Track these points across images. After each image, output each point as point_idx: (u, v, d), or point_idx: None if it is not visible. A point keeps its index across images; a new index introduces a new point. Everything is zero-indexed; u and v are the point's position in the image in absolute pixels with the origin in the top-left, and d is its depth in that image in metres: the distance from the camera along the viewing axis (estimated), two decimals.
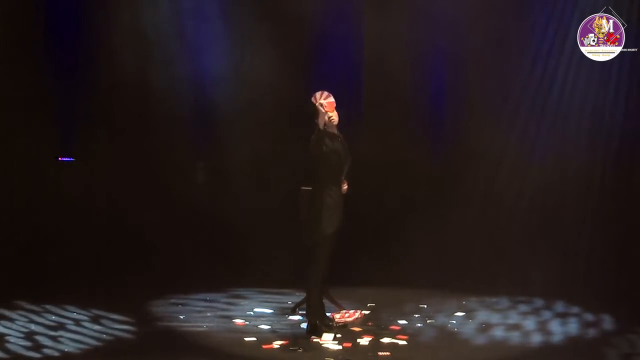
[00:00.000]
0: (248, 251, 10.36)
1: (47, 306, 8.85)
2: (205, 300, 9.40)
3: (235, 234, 10.50)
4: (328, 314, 8.67)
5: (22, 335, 7.84)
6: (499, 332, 8.25)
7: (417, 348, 7.70)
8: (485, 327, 8.42)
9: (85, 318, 8.49)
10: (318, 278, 7.88)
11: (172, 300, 9.31)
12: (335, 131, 7.90)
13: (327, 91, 7.84)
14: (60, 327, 8.16)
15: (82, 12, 10.42)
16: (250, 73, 10.77)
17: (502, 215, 10.24)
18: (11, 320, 8.35)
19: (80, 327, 8.18)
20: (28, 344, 7.54)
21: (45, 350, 7.37)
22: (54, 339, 7.74)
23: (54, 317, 8.49)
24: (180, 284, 9.88)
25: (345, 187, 7.89)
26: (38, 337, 7.76)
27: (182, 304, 9.19)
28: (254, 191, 10.69)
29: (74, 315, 8.56)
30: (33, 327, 8.12)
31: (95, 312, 8.66)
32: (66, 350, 7.41)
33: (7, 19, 10.01)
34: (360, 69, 10.83)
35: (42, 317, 8.50)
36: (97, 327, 8.19)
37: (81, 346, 7.55)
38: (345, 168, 7.92)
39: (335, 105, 7.81)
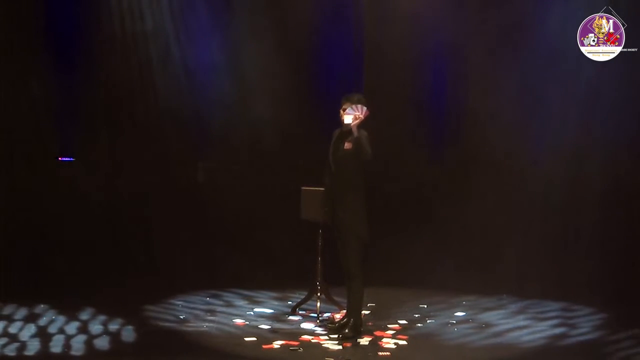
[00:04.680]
0: (249, 251, 10.35)
1: (47, 306, 8.85)
2: (205, 300, 9.41)
3: (236, 233, 10.50)
4: (328, 314, 8.69)
5: (22, 335, 7.84)
6: (499, 332, 8.25)
7: (417, 348, 7.70)
8: (485, 327, 8.43)
9: (85, 318, 8.48)
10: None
11: (172, 300, 9.31)
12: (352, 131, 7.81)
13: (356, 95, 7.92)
14: (60, 327, 8.16)
15: (82, 11, 10.40)
16: (249, 71, 10.76)
17: (503, 215, 10.22)
18: (11, 320, 8.35)
19: (80, 327, 8.18)
20: (28, 344, 7.55)
21: (45, 351, 7.37)
22: (53, 339, 7.74)
23: (53, 317, 8.50)
24: (180, 284, 9.88)
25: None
26: (38, 338, 7.76)
27: (182, 304, 9.20)
28: (255, 191, 10.68)
29: (74, 315, 8.55)
30: (33, 327, 8.13)
31: (95, 312, 8.66)
32: (66, 350, 7.41)
33: (7, 19, 10.01)
34: (360, 68, 10.83)
35: (42, 317, 8.50)
36: (97, 327, 8.19)
37: (81, 346, 7.55)
38: (333, 165, 7.95)
39: (346, 110, 7.81)
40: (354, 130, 7.66)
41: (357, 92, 8.02)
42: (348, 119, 7.72)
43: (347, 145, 7.78)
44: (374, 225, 7.94)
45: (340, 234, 7.87)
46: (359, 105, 7.74)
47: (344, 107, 7.84)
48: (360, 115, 7.67)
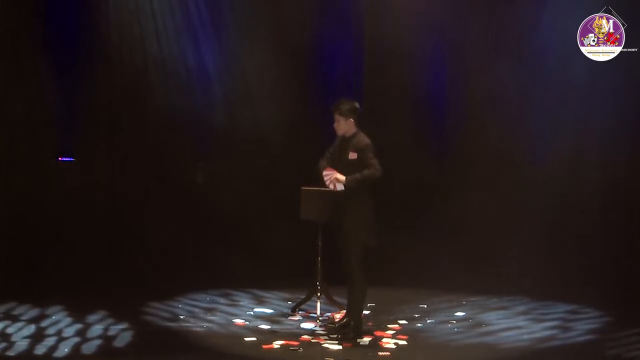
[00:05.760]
0: (249, 251, 10.35)
1: (47, 306, 8.84)
2: (206, 300, 9.41)
3: (236, 233, 10.50)
4: (328, 314, 8.69)
5: (22, 335, 7.84)
6: (499, 332, 8.25)
7: (417, 348, 7.70)
8: (485, 327, 8.43)
9: (85, 318, 8.48)
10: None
11: (172, 300, 9.31)
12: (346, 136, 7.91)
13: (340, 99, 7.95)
14: (60, 327, 8.16)
15: (82, 12, 10.41)
16: (249, 71, 10.77)
17: (503, 215, 10.23)
18: (11, 320, 8.35)
19: (80, 327, 8.18)
20: (28, 344, 7.54)
21: (46, 351, 7.37)
22: (54, 339, 7.74)
23: (54, 317, 8.50)
24: (180, 283, 9.88)
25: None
26: (38, 338, 7.76)
27: (182, 304, 9.20)
28: (255, 191, 10.68)
29: (74, 315, 8.55)
30: (33, 327, 8.13)
31: (95, 312, 8.66)
32: (66, 350, 7.41)
33: (7, 20, 10.01)
34: (360, 68, 10.83)
35: (42, 317, 8.50)
36: (97, 327, 8.19)
37: (81, 346, 7.55)
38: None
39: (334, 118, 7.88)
40: (344, 182, 7.67)
41: (347, 101, 7.88)
42: (339, 186, 7.73)
43: (352, 156, 7.77)
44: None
45: (342, 238, 7.86)
46: (323, 174, 7.76)
47: (335, 117, 7.85)
48: (333, 177, 7.69)
